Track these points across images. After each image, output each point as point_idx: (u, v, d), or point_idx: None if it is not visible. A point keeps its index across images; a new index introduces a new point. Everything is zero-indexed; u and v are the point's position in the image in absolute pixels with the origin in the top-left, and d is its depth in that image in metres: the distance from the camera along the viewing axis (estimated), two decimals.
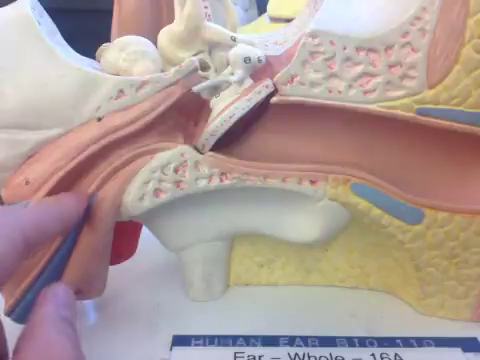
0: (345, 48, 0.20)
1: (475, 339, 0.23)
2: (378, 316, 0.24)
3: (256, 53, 0.20)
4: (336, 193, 0.21)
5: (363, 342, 0.22)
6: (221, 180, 0.21)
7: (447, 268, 0.22)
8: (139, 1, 0.24)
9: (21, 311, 0.20)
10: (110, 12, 0.25)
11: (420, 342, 0.22)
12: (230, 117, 0.20)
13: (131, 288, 0.26)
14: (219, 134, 0.21)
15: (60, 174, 0.20)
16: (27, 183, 0.20)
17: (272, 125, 0.22)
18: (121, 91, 0.20)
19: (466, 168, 0.22)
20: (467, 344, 0.22)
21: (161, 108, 0.20)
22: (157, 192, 0.21)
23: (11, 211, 0.18)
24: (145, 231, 0.25)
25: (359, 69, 0.20)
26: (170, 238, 0.24)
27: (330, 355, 0.22)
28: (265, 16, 0.49)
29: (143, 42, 0.21)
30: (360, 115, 0.20)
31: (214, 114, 0.21)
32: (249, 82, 0.21)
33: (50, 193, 0.20)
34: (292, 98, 0.20)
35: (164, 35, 0.21)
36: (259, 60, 0.20)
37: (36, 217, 0.18)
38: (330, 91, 0.20)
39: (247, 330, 0.23)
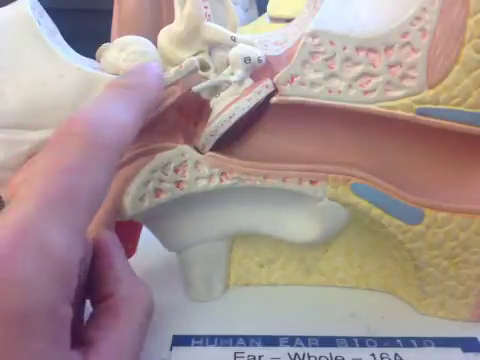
0: (345, 48, 0.20)
1: (475, 339, 0.23)
2: (378, 316, 0.24)
3: (256, 53, 0.20)
4: (336, 193, 0.21)
5: (363, 342, 0.22)
6: (221, 180, 0.21)
7: (447, 268, 0.22)
8: (139, 1, 0.24)
9: None
10: (110, 12, 0.25)
11: (420, 342, 0.22)
12: (230, 117, 0.20)
13: None
14: (219, 134, 0.21)
15: None
16: None
17: (272, 125, 0.22)
18: None
19: (466, 168, 0.22)
20: (467, 344, 0.22)
21: (161, 108, 0.20)
22: (157, 192, 0.21)
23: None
24: (145, 231, 0.25)
25: (359, 69, 0.20)
26: (170, 238, 0.24)
27: (330, 355, 0.22)
28: (265, 16, 0.49)
29: (143, 42, 0.21)
30: (360, 115, 0.20)
31: (214, 114, 0.21)
32: (249, 82, 0.21)
33: None
34: (292, 98, 0.20)
35: (164, 35, 0.21)
36: (259, 60, 0.20)
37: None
38: (330, 91, 0.20)
39: (247, 330, 0.23)
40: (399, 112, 0.20)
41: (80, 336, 0.16)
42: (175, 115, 0.21)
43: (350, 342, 0.22)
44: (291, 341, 0.22)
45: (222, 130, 0.20)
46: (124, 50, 0.21)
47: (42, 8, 0.21)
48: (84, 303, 0.18)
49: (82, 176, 0.14)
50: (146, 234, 0.25)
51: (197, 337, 0.23)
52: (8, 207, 0.13)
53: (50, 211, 0.13)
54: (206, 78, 0.21)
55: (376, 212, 0.22)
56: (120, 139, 0.15)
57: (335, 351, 0.22)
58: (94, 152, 0.14)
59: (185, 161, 0.21)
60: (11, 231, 0.13)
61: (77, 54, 0.22)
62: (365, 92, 0.20)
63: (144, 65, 0.19)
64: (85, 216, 0.14)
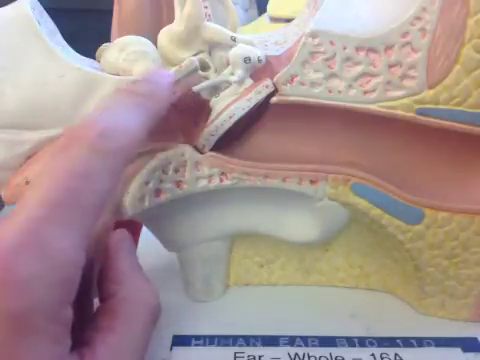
0: (345, 48, 0.20)
1: (475, 339, 0.23)
2: (378, 316, 0.24)
3: (256, 53, 0.20)
4: (336, 193, 0.21)
5: (363, 342, 0.22)
6: (221, 180, 0.21)
7: (447, 268, 0.22)
8: (139, 1, 0.24)
9: None
10: (110, 12, 0.25)
11: (420, 342, 0.22)
12: (230, 117, 0.20)
13: None
14: (219, 134, 0.21)
15: None
16: (27, 183, 0.20)
17: (272, 125, 0.22)
18: None
19: (466, 168, 0.22)
20: (467, 344, 0.22)
21: None
22: (157, 192, 0.21)
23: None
24: (145, 231, 0.25)
25: (359, 69, 0.20)
26: (170, 238, 0.24)
27: (330, 355, 0.22)
28: (265, 16, 0.49)
29: (143, 42, 0.21)
30: (360, 115, 0.20)
31: (214, 114, 0.21)
32: (249, 82, 0.21)
33: None
34: (292, 98, 0.20)
35: (164, 35, 0.21)
36: (259, 60, 0.20)
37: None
38: (330, 91, 0.20)
39: (247, 330, 0.23)
40: (399, 112, 0.20)
41: (81, 337, 0.16)
42: (175, 115, 0.21)
43: (350, 342, 0.22)
44: (291, 341, 0.22)
45: (222, 130, 0.20)
46: (124, 50, 0.21)
47: (42, 8, 0.21)
48: (92, 305, 0.18)
49: (88, 181, 0.14)
50: (146, 234, 0.25)
51: (197, 337, 0.23)
52: (15, 209, 0.14)
53: (55, 215, 0.13)
54: (206, 78, 0.21)
55: (376, 212, 0.22)
56: (127, 146, 0.16)
57: (335, 351, 0.22)
58: (101, 158, 0.15)
59: (185, 161, 0.21)
60: (15, 233, 0.13)
61: (77, 54, 0.22)
62: (365, 92, 0.20)
63: (158, 73, 0.19)
64: (89, 221, 0.14)
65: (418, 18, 0.19)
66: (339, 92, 0.20)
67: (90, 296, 0.18)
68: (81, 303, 0.15)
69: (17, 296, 0.12)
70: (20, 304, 0.12)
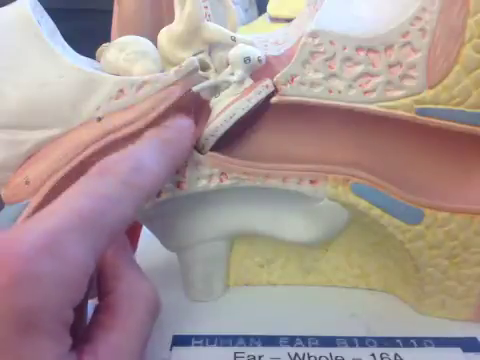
0: (345, 48, 0.20)
1: (475, 339, 0.23)
2: (378, 316, 0.24)
3: (256, 53, 0.20)
4: (336, 193, 0.21)
5: (363, 342, 0.22)
6: (221, 180, 0.21)
7: (447, 268, 0.22)
8: (139, 1, 0.24)
9: None
10: (110, 12, 0.25)
11: (420, 342, 0.22)
12: (230, 117, 0.20)
13: None
14: (219, 134, 0.21)
15: (60, 174, 0.20)
16: (27, 183, 0.20)
17: (272, 125, 0.22)
18: (121, 91, 0.20)
19: (466, 168, 0.22)
20: (467, 344, 0.22)
21: (161, 108, 0.20)
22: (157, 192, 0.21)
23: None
24: (145, 231, 0.25)
25: (359, 69, 0.20)
26: (170, 238, 0.24)
27: (330, 355, 0.22)
28: (265, 16, 0.49)
29: (143, 42, 0.21)
30: (360, 115, 0.20)
31: (214, 114, 0.21)
32: (249, 82, 0.21)
33: (50, 193, 0.20)
34: (292, 98, 0.20)
35: (164, 35, 0.21)
36: (259, 60, 0.20)
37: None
38: (330, 91, 0.20)
39: (247, 330, 0.23)
40: (399, 112, 0.20)
41: (81, 335, 0.16)
42: (175, 115, 0.21)
43: (350, 342, 0.22)
44: (291, 341, 0.22)
45: (222, 130, 0.21)
46: (124, 50, 0.21)
47: (42, 8, 0.21)
48: (86, 306, 0.19)
49: (114, 207, 0.16)
50: (146, 234, 0.25)
51: (197, 337, 0.23)
52: (42, 211, 0.15)
53: (79, 228, 0.15)
54: (206, 78, 0.21)
55: (376, 212, 0.22)
56: (152, 186, 0.18)
57: (335, 351, 0.22)
58: (129, 190, 0.16)
59: (185, 161, 0.21)
60: (39, 236, 0.14)
61: (77, 54, 0.22)
62: (365, 92, 0.20)
63: (182, 122, 0.20)
64: (106, 241, 0.16)
65: (418, 18, 0.19)
66: (339, 92, 0.20)
67: (86, 298, 0.18)
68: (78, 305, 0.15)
69: (27, 293, 0.13)
70: (29, 301, 0.13)
